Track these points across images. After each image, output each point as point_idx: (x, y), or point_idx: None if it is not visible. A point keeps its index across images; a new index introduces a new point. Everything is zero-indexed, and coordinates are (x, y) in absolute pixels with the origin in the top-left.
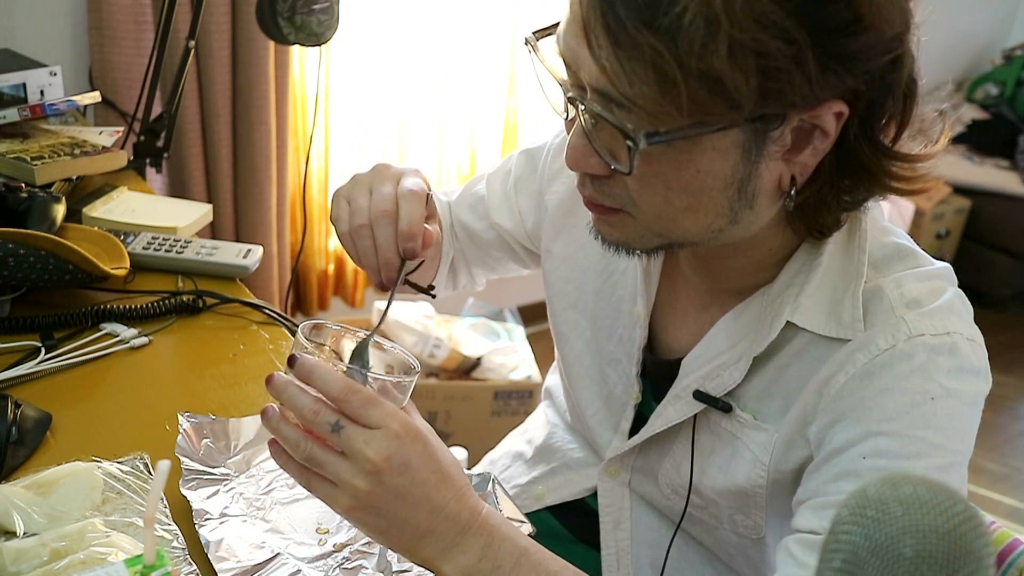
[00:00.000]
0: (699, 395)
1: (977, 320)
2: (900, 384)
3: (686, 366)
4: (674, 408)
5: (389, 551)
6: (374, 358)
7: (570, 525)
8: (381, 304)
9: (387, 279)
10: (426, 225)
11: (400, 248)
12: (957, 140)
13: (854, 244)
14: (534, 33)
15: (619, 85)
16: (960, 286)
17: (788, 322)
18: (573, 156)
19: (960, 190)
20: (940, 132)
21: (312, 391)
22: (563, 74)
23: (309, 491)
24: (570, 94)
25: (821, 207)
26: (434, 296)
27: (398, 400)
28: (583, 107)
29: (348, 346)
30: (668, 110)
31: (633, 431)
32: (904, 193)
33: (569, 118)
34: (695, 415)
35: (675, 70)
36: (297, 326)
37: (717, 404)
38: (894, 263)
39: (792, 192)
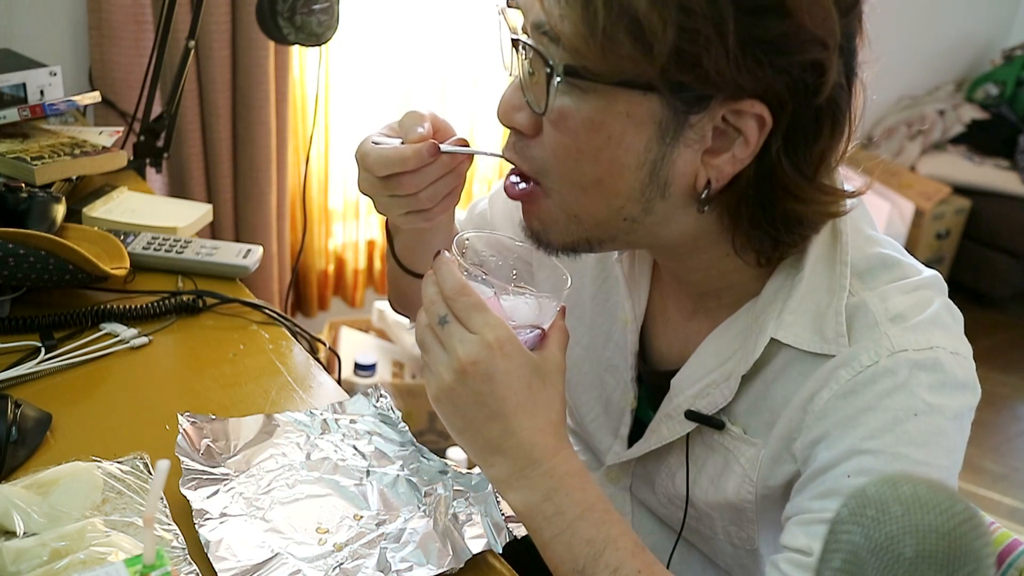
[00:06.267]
0: (691, 415)
1: (977, 320)
2: (883, 401)
3: (676, 385)
4: (667, 427)
5: (388, 551)
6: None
7: None
8: (381, 304)
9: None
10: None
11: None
12: (957, 140)
13: (836, 257)
14: (507, 3)
15: (550, 13)
16: (960, 286)
17: (772, 338)
18: (504, 108)
19: (960, 190)
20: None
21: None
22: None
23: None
24: (514, 36)
25: (738, 220)
26: None
27: (535, 319)
28: (522, 47)
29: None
30: (588, 44)
31: (632, 436)
32: (825, 217)
33: (514, 74)
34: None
35: None
36: (297, 326)
37: (710, 422)
38: (879, 274)
39: (704, 195)
